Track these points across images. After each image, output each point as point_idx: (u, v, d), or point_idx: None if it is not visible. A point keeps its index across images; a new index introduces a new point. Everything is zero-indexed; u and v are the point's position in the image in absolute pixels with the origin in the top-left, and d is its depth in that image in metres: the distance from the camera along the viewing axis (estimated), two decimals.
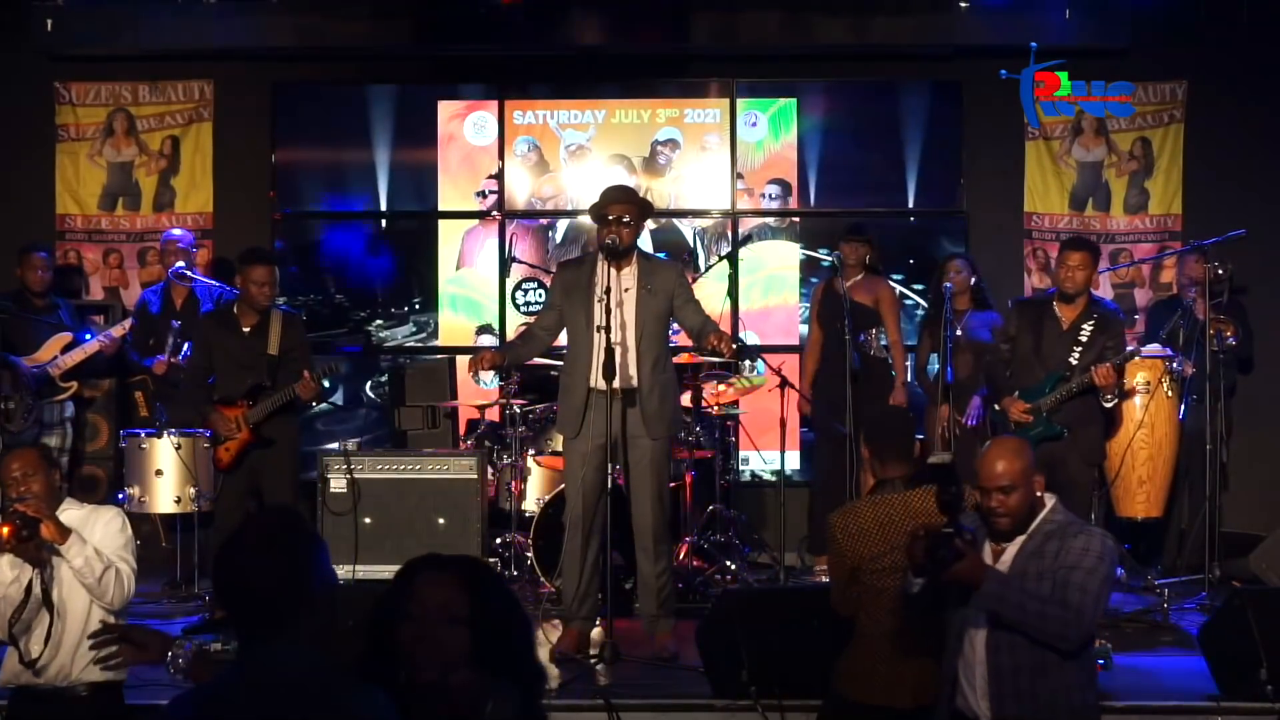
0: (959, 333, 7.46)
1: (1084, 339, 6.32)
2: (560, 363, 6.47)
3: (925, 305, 8.28)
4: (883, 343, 7.66)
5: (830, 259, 7.67)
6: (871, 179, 8.98)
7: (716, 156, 8.98)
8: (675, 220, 9.04)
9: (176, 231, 8.19)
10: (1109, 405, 6.34)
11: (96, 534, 4.47)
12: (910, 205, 9.00)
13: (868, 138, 9.02)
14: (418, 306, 9.05)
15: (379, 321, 9.04)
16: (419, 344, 9.04)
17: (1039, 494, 3.90)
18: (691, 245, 9.02)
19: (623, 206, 6.01)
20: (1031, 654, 3.78)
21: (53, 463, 4.65)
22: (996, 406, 6.51)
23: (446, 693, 2.50)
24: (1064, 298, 6.42)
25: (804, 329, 8.45)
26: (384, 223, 9.17)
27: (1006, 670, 3.81)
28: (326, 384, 7.38)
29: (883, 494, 4.48)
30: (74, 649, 4.44)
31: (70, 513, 4.52)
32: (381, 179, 9.03)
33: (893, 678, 4.34)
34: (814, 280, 8.58)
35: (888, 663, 4.35)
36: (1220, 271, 7.09)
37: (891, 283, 8.10)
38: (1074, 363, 6.29)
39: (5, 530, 4.25)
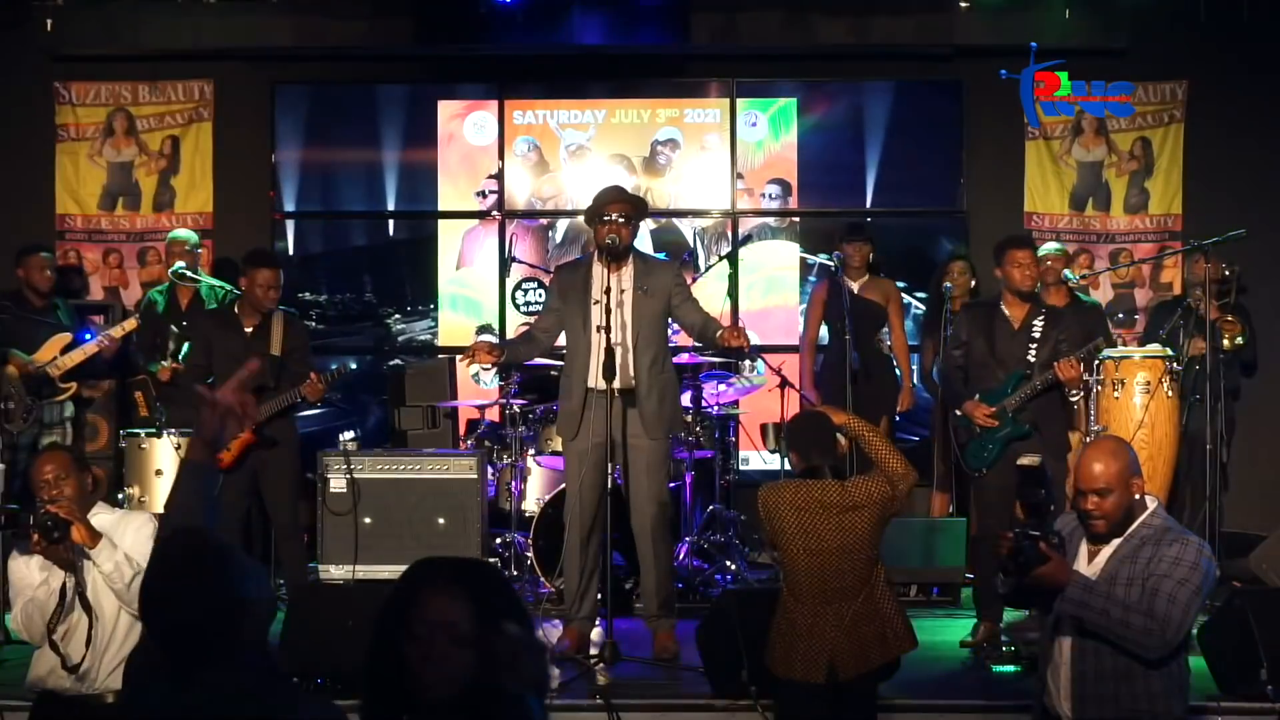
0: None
1: (1036, 335, 6.20)
2: (560, 363, 6.46)
3: (925, 307, 8.25)
4: (887, 342, 7.66)
5: (833, 261, 7.52)
6: (871, 179, 8.97)
7: (716, 156, 8.98)
8: (675, 220, 9.04)
9: (180, 232, 8.17)
10: (1075, 400, 6.24)
11: (127, 539, 4.43)
12: (910, 205, 9.00)
13: (868, 138, 9.01)
14: (410, 309, 9.04)
15: (396, 317, 9.04)
16: (421, 343, 9.04)
17: (1139, 496, 3.83)
18: (691, 245, 9.01)
19: (621, 206, 6.00)
20: (1116, 661, 3.74)
21: (84, 466, 4.63)
22: (957, 412, 6.36)
23: (457, 707, 2.45)
24: (1020, 297, 6.24)
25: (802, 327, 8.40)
26: (384, 223, 9.17)
27: (1090, 675, 3.79)
28: (352, 367, 7.38)
29: (807, 479, 4.59)
30: (103, 654, 4.42)
31: (101, 517, 4.50)
32: (382, 179, 9.03)
33: (810, 655, 4.46)
34: (813, 280, 8.57)
35: (805, 640, 4.48)
36: (1228, 272, 7.04)
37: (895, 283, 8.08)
38: (1032, 360, 6.20)
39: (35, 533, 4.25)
